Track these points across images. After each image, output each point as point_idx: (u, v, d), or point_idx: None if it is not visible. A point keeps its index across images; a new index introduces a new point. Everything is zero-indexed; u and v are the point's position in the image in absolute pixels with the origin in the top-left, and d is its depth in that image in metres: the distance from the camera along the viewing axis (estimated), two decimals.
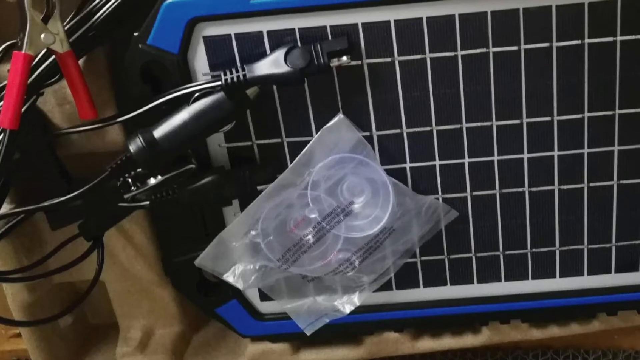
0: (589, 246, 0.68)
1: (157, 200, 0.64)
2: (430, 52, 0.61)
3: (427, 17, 0.59)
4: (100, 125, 0.62)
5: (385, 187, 0.64)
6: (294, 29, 0.60)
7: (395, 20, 0.59)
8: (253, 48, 0.60)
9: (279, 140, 0.64)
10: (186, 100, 0.60)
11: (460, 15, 0.59)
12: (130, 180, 0.63)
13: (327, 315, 0.70)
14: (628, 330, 0.74)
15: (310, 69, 0.58)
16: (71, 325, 0.79)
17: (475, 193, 0.66)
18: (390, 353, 0.74)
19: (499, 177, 0.65)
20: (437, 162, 0.65)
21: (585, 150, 0.64)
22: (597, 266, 0.69)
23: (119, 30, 0.61)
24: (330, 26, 0.60)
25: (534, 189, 0.66)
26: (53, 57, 0.60)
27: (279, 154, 0.65)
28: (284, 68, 0.58)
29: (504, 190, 0.66)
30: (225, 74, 0.59)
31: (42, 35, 0.58)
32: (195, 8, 0.59)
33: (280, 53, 0.59)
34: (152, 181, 0.63)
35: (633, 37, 0.60)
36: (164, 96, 0.60)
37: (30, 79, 0.59)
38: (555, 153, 0.64)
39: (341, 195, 0.65)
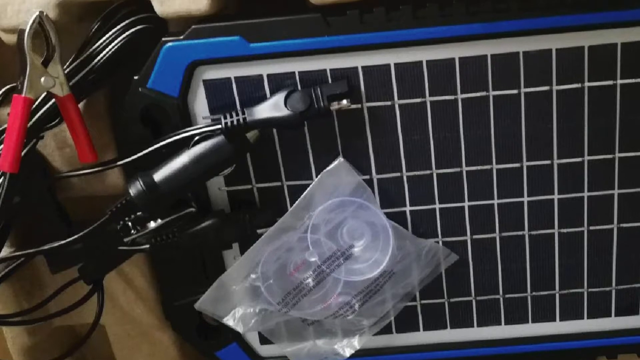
0: (589, 289, 0.66)
1: (157, 244, 0.62)
2: (430, 95, 0.59)
3: (427, 61, 0.58)
4: (100, 168, 0.61)
5: (385, 230, 0.63)
6: (294, 72, 0.58)
7: (395, 64, 0.58)
8: (253, 91, 0.59)
9: (279, 183, 0.62)
10: (186, 143, 0.58)
11: (460, 58, 0.57)
12: (130, 223, 0.62)
13: (327, 358, 0.68)
14: None
15: (310, 112, 0.57)
16: None
17: (475, 236, 0.64)
18: None
19: (499, 221, 0.63)
20: (437, 206, 0.63)
21: (585, 194, 0.62)
22: (597, 309, 0.67)
23: (119, 73, 0.59)
24: (330, 69, 0.58)
25: (534, 233, 0.64)
26: (53, 100, 0.58)
27: (279, 198, 0.63)
28: (284, 111, 0.57)
29: (504, 234, 0.64)
30: (225, 118, 0.57)
31: (42, 79, 0.56)
32: (195, 51, 0.57)
33: (280, 96, 0.57)
34: (152, 225, 0.61)
35: (633, 80, 0.58)
36: (164, 139, 0.58)
37: (30, 123, 0.57)
38: (555, 196, 0.62)
39: (341, 239, 0.63)
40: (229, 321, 0.65)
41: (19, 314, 0.67)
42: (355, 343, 0.68)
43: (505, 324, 0.67)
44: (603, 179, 0.61)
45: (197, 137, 0.58)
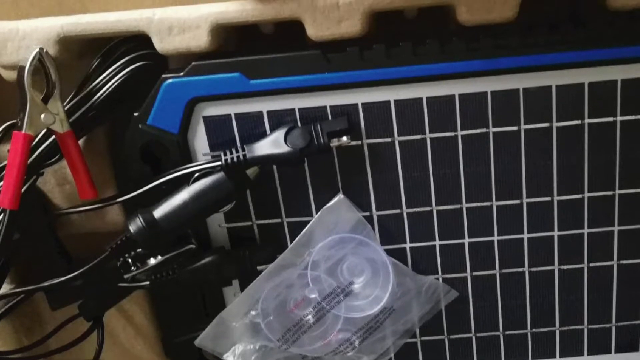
0: (589, 326, 0.64)
1: (157, 281, 0.60)
2: (430, 132, 0.57)
3: (427, 97, 0.56)
4: (100, 205, 0.59)
5: (385, 267, 0.60)
6: (294, 109, 0.56)
7: (395, 101, 0.56)
8: (253, 128, 0.57)
9: (279, 220, 0.60)
10: (186, 180, 0.56)
11: (460, 95, 0.56)
12: (130, 260, 0.60)
13: None
14: None
15: (310, 149, 0.55)
16: None
17: (475, 273, 0.62)
18: None
19: (499, 257, 0.61)
20: (437, 242, 0.61)
21: (585, 231, 0.60)
22: (598, 346, 0.64)
23: (119, 110, 0.58)
24: (330, 106, 0.56)
25: (534, 269, 0.61)
26: (53, 137, 0.56)
27: (279, 234, 0.61)
28: (284, 148, 0.55)
29: (504, 271, 0.61)
30: (225, 154, 0.55)
31: (42, 116, 0.54)
32: (195, 88, 0.56)
33: (280, 133, 0.55)
34: (152, 261, 0.60)
35: (633, 117, 0.56)
36: (164, 176, 0.56)
37: (30, 159, 0.56)
38: (555, 233, 0.60)
39: (341, 276, 0.61)
40: (229, 358, 0.64)
41: (19, 351, 0.65)
42: None
43: None
44: (603, 216, 0.59)
45: (197, 174, 0.56)
